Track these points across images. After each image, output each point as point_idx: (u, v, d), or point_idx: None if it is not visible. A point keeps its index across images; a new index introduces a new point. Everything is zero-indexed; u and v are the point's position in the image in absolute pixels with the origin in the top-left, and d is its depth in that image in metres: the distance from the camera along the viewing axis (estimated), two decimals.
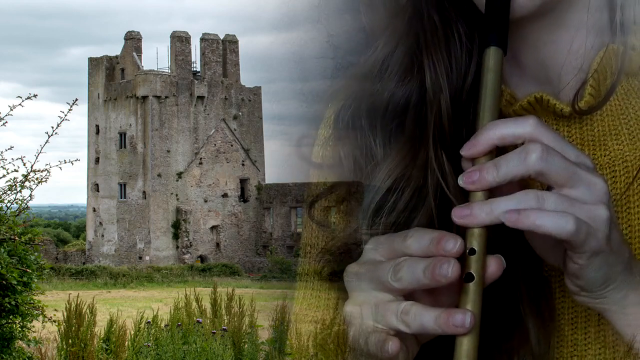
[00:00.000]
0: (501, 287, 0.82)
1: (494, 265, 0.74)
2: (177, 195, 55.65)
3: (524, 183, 0.76)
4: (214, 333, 9.45)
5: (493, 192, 0.75)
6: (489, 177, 0.74)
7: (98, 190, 57.84)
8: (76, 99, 6.75)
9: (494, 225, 0.74)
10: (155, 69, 56.83)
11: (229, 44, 59.02)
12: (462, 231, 0.76)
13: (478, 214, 0.74)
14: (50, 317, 6.18)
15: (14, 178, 6.13)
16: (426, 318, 0.73)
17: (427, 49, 0.90)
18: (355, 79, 0.94)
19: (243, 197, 58.40)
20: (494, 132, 0.76)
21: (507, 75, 0.92)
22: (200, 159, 56.86)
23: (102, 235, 57.03)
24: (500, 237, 0.77)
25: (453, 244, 0.73)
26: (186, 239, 55.24)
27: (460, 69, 0.89)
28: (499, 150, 0.77)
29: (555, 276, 0.88)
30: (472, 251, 0.74)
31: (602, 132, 0.90)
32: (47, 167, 6.28)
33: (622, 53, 0.88)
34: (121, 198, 56.34)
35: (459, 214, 0.74)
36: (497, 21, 0.81)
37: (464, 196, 0.78)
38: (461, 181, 0.76)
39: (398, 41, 0.92)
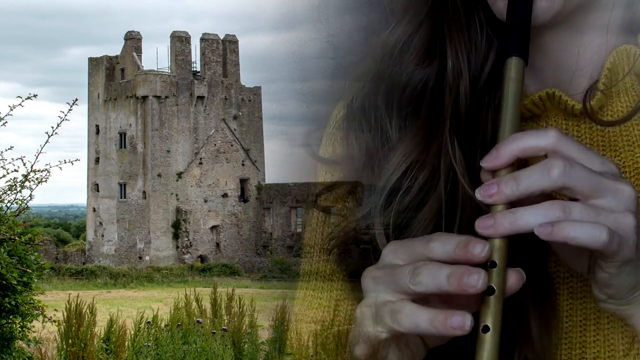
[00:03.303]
0: None
1: (514, 279, 0.73)
2: (177, 195, 55.67)
3: (546, 193, 0.74)
4: (214, 333, 9.45)
5: (514, 203, 0.74)
6: (507, 191, 0.73)
7: (98, 190, 57.86)
8: (76, 99, 6.75)
9: (514, 235, 0.73)
10: (155, 69, 56.85)
11: (229, 44, 59.03)
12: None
13: (501, 223, 0.72)
14: (50, 317, 6.18)
15: (14, 178, 6.13)
16: (420, 318, 0.71)
17: (450, 33, 0.88)
18: (373, 60, 0.93)
19: (243, 197, 58.40)
20: (516, 145, 0.75)
21: None
22: (200, 159, 56.87)
23: (102, 235, 57.04)
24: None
25: (481, 248, 0.71)
26: (186, 239, 55.24)
27: (479, 55, 0.88)
28: (520, 161, 0.76)
29: (563, 277, 0.87)
30: (493, 264, 0.73)
31: (612, 133, 0.89)
32: (47, 167, 6.29)
33: (635, 54, 0.87)
34: (121, 198, 56.34)
35: (482, 225, 0.73)
36: (519, 31, 0.80)
37: (476, 183, 0.77)
38: (479, 194, 0.74)
39: (419, 24, 0.90)
